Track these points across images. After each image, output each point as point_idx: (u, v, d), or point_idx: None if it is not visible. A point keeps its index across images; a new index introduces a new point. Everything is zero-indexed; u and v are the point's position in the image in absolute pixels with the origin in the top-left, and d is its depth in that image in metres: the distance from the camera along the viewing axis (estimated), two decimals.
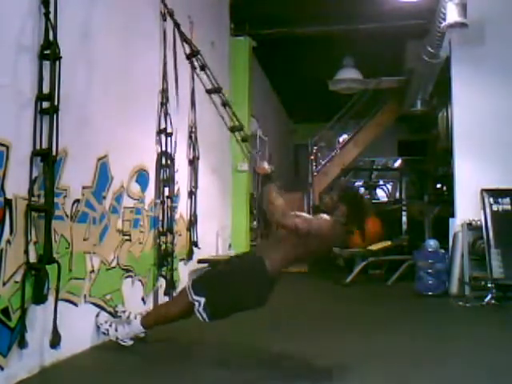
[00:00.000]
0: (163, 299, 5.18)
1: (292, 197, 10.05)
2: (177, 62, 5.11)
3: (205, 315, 3.56)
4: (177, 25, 4.66)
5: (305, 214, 3.68)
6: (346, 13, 8.13)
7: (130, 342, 3.93)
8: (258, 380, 3.35)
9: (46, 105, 3.32)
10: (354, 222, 3.84)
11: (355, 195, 4.07)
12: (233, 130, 4.42)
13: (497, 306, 6.08)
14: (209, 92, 4.52)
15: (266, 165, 3.80)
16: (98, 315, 4.07)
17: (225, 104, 4.47)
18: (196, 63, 4.70)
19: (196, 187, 6.13)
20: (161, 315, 3.95)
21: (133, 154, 4.77)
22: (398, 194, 12.85)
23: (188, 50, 4.68)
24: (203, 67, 4.64)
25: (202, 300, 3.54)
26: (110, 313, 4.23)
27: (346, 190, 4.15)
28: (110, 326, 3.99)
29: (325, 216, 3.65)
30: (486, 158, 7.07)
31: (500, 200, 6.77)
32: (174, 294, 5.19)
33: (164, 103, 5.16)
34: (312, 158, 11.97)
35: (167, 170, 5.22)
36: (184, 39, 4.60)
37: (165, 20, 5.10)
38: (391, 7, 7.83)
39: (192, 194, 6.05)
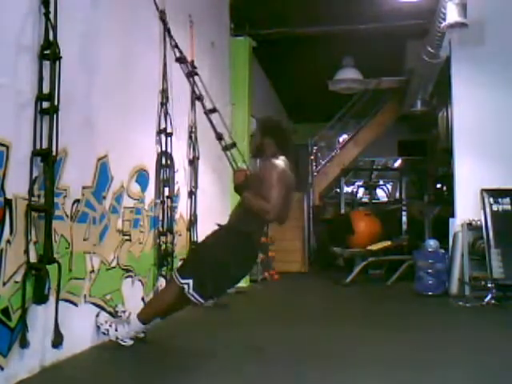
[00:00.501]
0: None
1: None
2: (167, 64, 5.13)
3: (197, 295, 3.63)
4: (167, 29, 4.66)
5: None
6: (346, 13, 8.13)
7: (130, 342, 3.94)
8: (259, 379, 3.35)
9: (46, 105, 3.31)
10: (285, 148, 3.89)
11: (275, 124, 4.08)
12: (218, 137, 4.41)
13: (497, 306, 6.08)
14: (197, 99, 4.56)
15: (241, 174, 3.84)
16: (97, 315, 4.08)
17: (208, 112, 4.49)
18: (185, 69, 4.69)
19: (196, 187, 6.13)
20: (155, 306, 3.99)
21: (133, 154, 4.77)
22: (397, 194, 12.86)
23: (176, 55, 4.68)
24: (191, 74, 4.65)
25: (190, 281, 3.61)
26: (110, 313, 4.23)
27: (265, 122, 4.17)
28: (110, 326, 3.99)
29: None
30: (486, 158, 7.07)
31: (500, 200, 6.78)
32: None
33: (164, 103, 5.17)
34: (312, 158, 11.98)
35: (167, 170, 5.23)
36: (175, 44, 4.61)
37: (161, 20, 5.10)
38: (391, 7, 7.83)
39: (192, 193, 6.05)
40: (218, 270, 3.68)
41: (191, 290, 3.62)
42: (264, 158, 3.93)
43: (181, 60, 4.64)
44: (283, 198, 3.69)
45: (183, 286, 3.63)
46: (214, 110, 4.51)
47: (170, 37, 4.67)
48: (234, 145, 4.28)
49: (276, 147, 3.85)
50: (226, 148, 4.22)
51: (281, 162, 3.78)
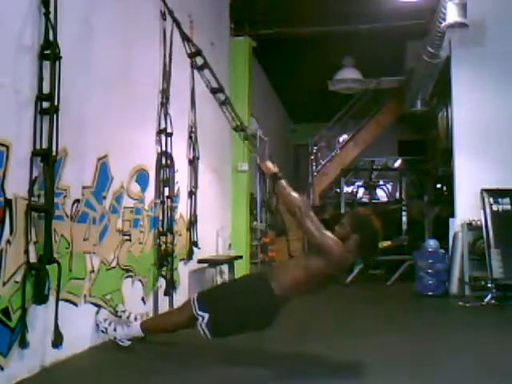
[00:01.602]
0: (163, 299, 5.18)
1: None
2: (172, 62, 5.12)
3: (207, 331, 3.54)
4: (177, 24, 4.63)
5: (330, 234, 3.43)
6: (346, 13, 8.13)
7: (128, 343, 3.94)
8: (259, 379, 3.35)
9: (46, 105, 3.31)
10: (366, 253, 3.70)
11: (369, 224, 3.66)
12: (236, 129, 4.40)
13: (497, 306, 6.08)
14: (213, 91, 4.49)
15: (270, 163, 3.70)
16: (97, 313, 4.08)
17: (226, 103, 4.44)
18: (198, 62, 4.66)
19: (196, 187, 6.13)
20: (162, 324, 3.98)
21: (133, 154, 4.77)
22: (397, 194, 12.84)
23: (189, 50, 4.65)
24: (204, 66, 4.62)
25: (206, 316, 3.53)
26: (109, 312, 4.23)
27: (359, 217, 3.74)
28: (109, 324, 4.00)
29: (335, 238, 3.42)
30: (486, 158, 7.07)
31: (500, 200, 6.78)
32: (174, 298, 5.20)
33: (164, 103, 5.17)
34: (312, 158, 11.97)
35: (167, 170, 5.23)
36: (186, 38, 4.57)
37: (165, 19, 5.11)
38: (391, 7, 7.83)
39: (192, 193, 6.05)
40: (236, 315, 3.56)
41: (203, 325, 3.53)
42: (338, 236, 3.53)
43: (194, 54, 4.59)
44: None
45: (198, 317, 3.55)
46: (225, 102, 4.48)
47: (182, 32, 4.61)
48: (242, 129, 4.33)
49: (357, 246, 3.51)
50: (245, 139, 4.20)
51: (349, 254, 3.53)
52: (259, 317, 3.56)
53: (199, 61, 4.69)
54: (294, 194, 3.52)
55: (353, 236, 3.48)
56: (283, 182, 3.59)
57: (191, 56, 4.58)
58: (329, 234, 3.43)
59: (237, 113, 4.53)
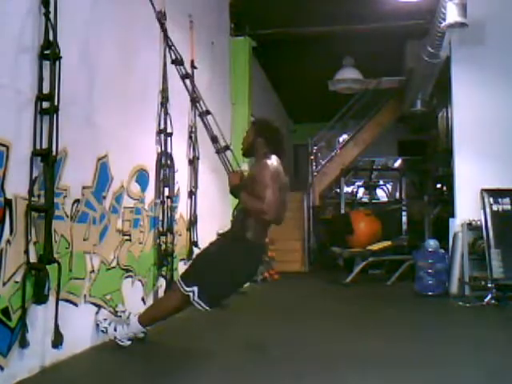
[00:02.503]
0: None
1: (292, 197, 10.03)
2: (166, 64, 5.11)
3: (202, 303, 3.63)
4: (164, 30, 4.65)
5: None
6: (346, 13, 8.13)
7: (128, 343, 3.94)
8: (259, 379, 3.35)
9: (46, 105, 3.32)
10: (275, 148, 3.87)
11: (268, 125, 4.01)
12: (218, 152, 4.42)
13: (497, 306, 6.08)
14: (192, 101, 4.54)
15: (236, 176, 3.86)
16: (97, 313, 4.08)
17: (201, 114, 4.49)
18: (182, 71, 4.67)
19: (196, 187, 6.13)
20: (157, 311, 3.99)
21: (133, 154, 4.77)
22: (397, 194, 12.85)
23: (174, 56, 4.66)
24: (186, 76, 4.63)
25: (195, 289, 3.61)
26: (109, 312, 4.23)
27: (257, 122, 4.15)
28: (109, 324, 4.00)
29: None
30: (486, 158, 7.07)
31: (500, 200, 6.78)
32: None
33: (164, 103, 5.17)
34: (312, 158, 11.98)
35: (167, 170, 5.23)
36: (169, 46, 4.60)
37: (165, 20, 5.10)
38: (391, 7, 7.83)
39: (192, 193, 6.05)
40: (222, 277, 3.68)
41: (196, 298, 3.61)
42: (256, 157, 3.91)
43: (177, 62, 4.61)
44: (278, 197, 3.67)
45: (188, 293, 3.62)
46: (207, 113, 4.50)
47: (167, 38, 4.64)
48: (227, 148, 4.27)
49: (268, 147, 3.83)
50: (218, 151, 4.23)
51: (273, 161, 3.76)
52: (244, 267, 3.72)
53: (182, 70, 4.69)
54: (257, 202, 3.63)
55: (258, 140, 3.82)
56: (243, 195, 3.73)
57: (174, 63, 4.62)
58: (267, 195, 3.58)
59: (219, 128, 4.54)
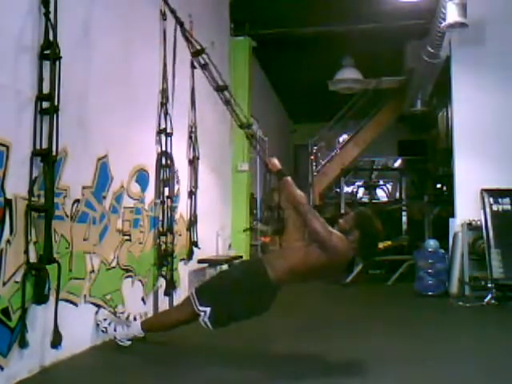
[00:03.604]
0: (163, 299, 5.18)
1: None
2: (175, 62, 5.10)
3: (209, 324, 3.57)
4: (180, 23, 4.61)
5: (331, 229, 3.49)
6: (346, 13, 8.13)
7: (128, 343, 3.94)
8: (258, 380, 3.35)
9: (46, 105, 3.31)
10: (364, 251, 3.72)
11: (371, 222, 3.72)
12: (241, 127, 4.38)
13: (497, 306, 6.08)
14: (217, 90, 4.46)
15: (276, 161, 3.74)
16: (97, 312, 4.08)
17: (230, 102, 4.41)
18: (201, 61, 4.60)
19: (196, 187, 6.13)
20: (163, 323, 3.98)
21: (133, 154, 4.77)
22: (397, 194, 12.85)
23: (192, 49, 4.61)
24: (206, 65, 4.56)
25: (208, 310, 3.54)
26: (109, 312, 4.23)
27: (363, 215, 3.79)
28: (109, 324, 4.00)
29: (340, 234, 3.49)
30: (486, 158, 7.07)
31: (500, 200, 6.78)
32: (174, 298, 5.20)
33: (164, 103, 5.17)
34: (312, 158, 11.97)
35: (167, 170, 5.23)
36: (188, 38, 4.54)
37: (165, 19, 5.11)
38: (391, 7, 7.83)
39: (192, 193, 6.05)
40: (237, 305, 3.59)
41: (206, 319, 3.55)
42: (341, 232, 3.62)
43: (198, 53, 4.53)
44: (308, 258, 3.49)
45: (200, 312, 3.56)
46: (229, 102, 4.43)
47: (184, 31, 4.56)
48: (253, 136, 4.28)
49: (357, 241, 3.56)
50: (251, 136, 4.24)
51: (345, 242, 3.52)
52: (257, 303, 3.62)
53: (202, 60, 4.64)
54: (299, 192, 3.56)
55: (354, 232, 3.53)
56: (289, 179, 3.61)
57: (195, 54, 4.54)
58: (334, 231, 3.48)
59: (242, 110, 4.50)
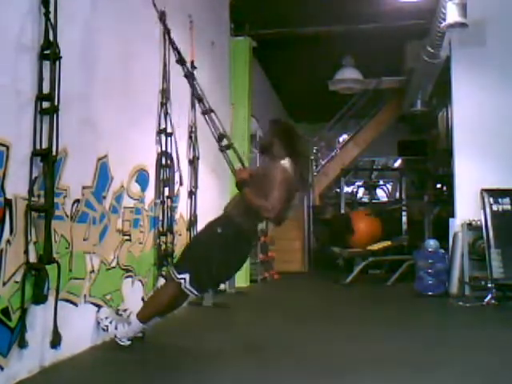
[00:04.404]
0: None
1: None
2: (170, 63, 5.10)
3: (193, 289, 3.71)
4: (167, 30, 4.63)
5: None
6: (346, 13, 8.14)
7: (128, 343, 3.94)
8: (259, 379, 3.35)
9: (46, 105, 3.31)
10: (292, 152, 3.85)
11: (286, 126, 4.05)
12: (216, 139, 4.36)
13: (497, 306, 6.08)
14: (197, 99, 4.51)
15: (246, 172, 3.85)
16: (98, 310, 4.08)
17: (206, 112, 4.44)
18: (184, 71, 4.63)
19: (196, 187, 6.13)
20: (154, 305, 4.00)
21: (133, 154, 4.77)
22: (397, 194, 12.86)
23: (176, 56, 4.64)
24: (188, 75, 4.58)
25: (187, 276, 3.66)
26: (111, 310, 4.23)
27: (277, 124, 4.12)
28: (111, 322, 4.00)
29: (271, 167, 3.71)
30: (486, 158, 7.07)
31: (500, 200, 6.77)
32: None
33: (164, 103, 5.17)
34: (312, 157, 11.98)
35: (167, 170, 5.23)
36: (173, 47, 4.59)
37: (161, 21, 5.10)
38: (391, 7, 7.84)
39: (192, 193, 6.05)
40: (213, 264, 3.70)
41: (188, 285, 3.67)
42: (270, 157, 3.93)
43: (181, 62, 4.59)
44: (284, 201, 3.70)
45: (180, 281, 3.68)
46: (210, 111, 4.45)
47: (170, 39, 4.64)
48: (230, 146, 4.26)
49: (284, 149, 3.83)
50: (221, 149, 4.23)
51: (286, 164, 3.77)
52: (234, 255, 3.76)
53: (185, 69, 4.66)
54: (258, 202, 3.66)
55: (275, 141, 3.85)
56: (247, 191, 3.72)
57: (179, 63, 4.59)
58: (273, 196, 3.61)
59: (219, 121, 4.39)
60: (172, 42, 4.60)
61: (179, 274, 3.70)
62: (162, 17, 4.73)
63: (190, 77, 4.48)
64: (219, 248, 3.71)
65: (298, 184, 3.90)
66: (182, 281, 3.67)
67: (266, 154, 4.08)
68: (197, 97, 4.46)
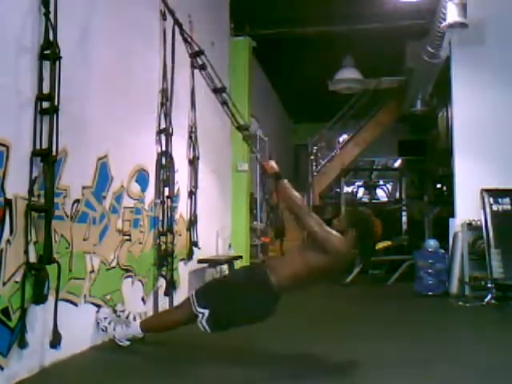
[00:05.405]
0: (163, 299, 5.18)
1: None
2: (175, 63, 5.10)
3: (207, 327, 3.56)
4: (179, 24, 4.61)
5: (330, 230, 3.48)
6: (346, 13, 8.12)
7: (127, 343, 3.94)
8: (259, 380, 3.35)
9: (46, 105, 3.31)
10: (362, 248, 3.73)
11: (366, 220, 3.76)
12: (239, 128, 4.37)
13: (497, 306, 6.08)
14: (215, 91, 4.45)
15: (273, 163, 3.75)
16: (98, 311, 4.08)
17: (228, 103, 4.39)
18: (199, 62, 4.59)
19: (196, 187, 6.12)
20: (161, 323, 3.98)
21: (133, 154, 4.77)
22: (397, 194, 12.85)
23: (190, 50, 4.60)
24: (205, 66, 4.54)
25: (206, 312, 3.53)
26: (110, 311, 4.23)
27: (357, 213, 3.90)
28: (109, 323, 4.00)
29: (338, 234, 3.50)
30: (486, 158, 7.07)
31: (500, 200, 6.78)
32: (174, 298, 5.20)
33: (164, 103, 5.17)
34: (312, 157, 11.98)
35: (167, 170, 5.23)
36: (186, 39, 4.54)
37: (165, 20, 5.10)
38: (391, 7, 7.83)
39: (192, 193, 6.05)
40: (236, 311, 3.57)
41: (204, 321, 3.54)
42: None
43: (197, 54, 4.52)
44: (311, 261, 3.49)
45: (198, 314, 3.55)
46: (227, 101, 4.38)
47: (182, 32, 4.56)
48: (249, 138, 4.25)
49: (354, 242, 3.59)
50: (244, 139, 4.22)
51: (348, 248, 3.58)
52: (258, 309, 3.59)
53: (200, 60, 4.64)
54: (296, 194, 3.56)
55: (349, 230, 3.55)
56: (285, 181, 3.62)
57: (192, 56, 4.54)
58: (332, 231, 3.48)
59: (239, 112, 4.49)
60: (185, 36, 4.51)
61: (199, 306, 3.55)
62: (172, 13, 4.68)
63: (205, 68, 4.43)
64: (249, 298, 3.54)
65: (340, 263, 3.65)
66: (200, 315, 3.53)
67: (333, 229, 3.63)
68: (215, 89, 4.38)
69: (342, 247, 3.47)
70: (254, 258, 8.26)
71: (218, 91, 4.39)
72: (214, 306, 3.56)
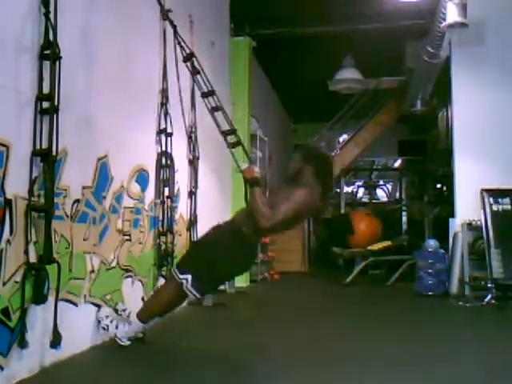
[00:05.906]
0: None
1: None
2: (177, 63, 5.09)
3: (194, 291, 3.68)
4: (173, 25, 4.62)
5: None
6: (346, 13, 8.14)
7: (128, 343, 3.94)
8: (259, 379, 3.35)
9: (46, 105, 3.31)
10: (324, 182, 3.80)
11: (321, 157, 4.00)
12: (224, 133, 4.35)
13: (497, 306, 6.08)
14: (203, 96, 4.47)
15: (256, 169, 3.81)
16: (98, 310, 4.07)
17: (216, 108, 4.41)
18: (190, 67, 4.59)
19: (196, 187, 6.13)
20: (154, 305, 4.01)
21: (133, 154, 4.77)
22: (397, 194, 12.87)
23: (184, 53, 4.61)
24: (197, 72, 4.54)
25: (189, 277, 3.65)
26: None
27: (310, 150, 4.12)
28: (111, 322, 4.00)
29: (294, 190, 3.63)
30: (486, 158, 7.08)
31: (500, 200, 6.78)
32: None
33: (164, 103, 5.17)
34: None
35: (167, 170, 5.23)
36: (179, 43, 4.56)
37: (165, 20, 5.10)
38: (391, 7, 7.83)
39: (192, 193, 6.05)
40: (216, 267, 3.70)
41: (189, 286, 3.66)
42: (295, 183, 3.77)
43: (189, 58, 4.53)
44: (287, 221, 3.64)
45: (182, 281, 3.67)
46: (219, 108, 4.44)
47: (176, 35, 4.58)
48: (238, 143, 4.23)
49: (314, 177, 3.71)
50: (234, 145, 4.21)
51: (311, 193, 3.67)
52: (237, 262, 3.76)
53: (192, 64, 4.62)
54: (260, 203, 3.68)
55: (306, 168, 3.71)
56: (258, 189, 3.78)
57: (185, 60, 4.55)
58: (279, 208, 3.58)
59: (228, 117, 4.40)
60: (178, 39, 4.54)
61: (181, 274, 3.69)
62: (167, 13, 4.68)
63: (198, 73, 4.43)
64: (224, 253, 3.70)
65: (316, 207, 3.86)
66: (184, 281, 3.66)
67: (292, 179, 3.85)
68: (205, 93, 4.40)
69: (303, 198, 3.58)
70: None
71: (206, 95, 4.40)
72: (194, 269, 3.67)
